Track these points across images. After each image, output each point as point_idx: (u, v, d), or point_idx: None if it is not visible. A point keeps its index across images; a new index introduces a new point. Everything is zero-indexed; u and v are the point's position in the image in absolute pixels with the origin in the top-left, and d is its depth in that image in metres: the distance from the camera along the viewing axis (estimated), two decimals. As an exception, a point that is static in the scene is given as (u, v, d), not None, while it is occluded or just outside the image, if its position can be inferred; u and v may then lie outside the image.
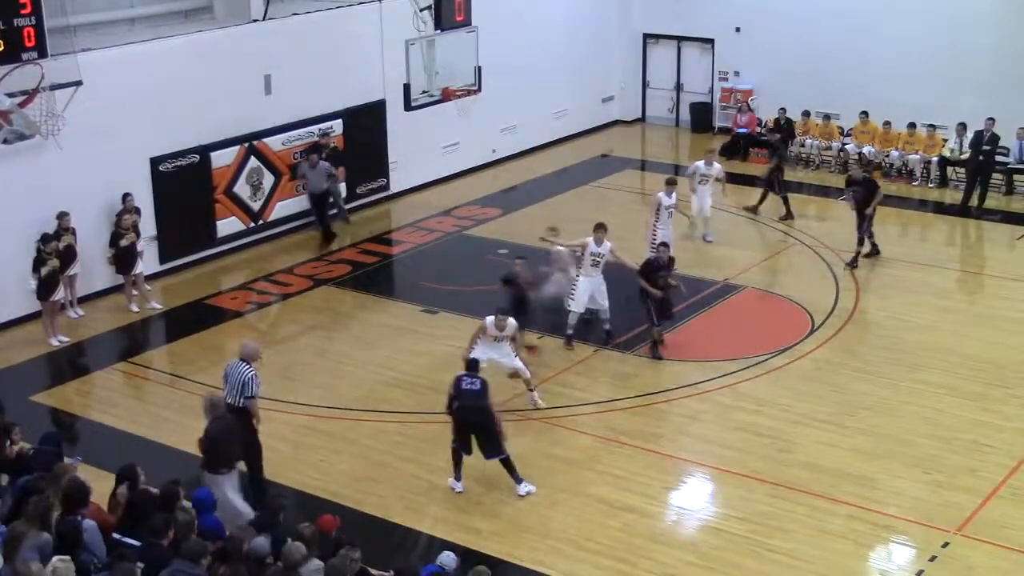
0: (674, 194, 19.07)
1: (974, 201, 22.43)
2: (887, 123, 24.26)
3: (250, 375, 12.45)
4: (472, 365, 13.25)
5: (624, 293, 16.91)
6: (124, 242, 17.90)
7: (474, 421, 12.90)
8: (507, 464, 12.99)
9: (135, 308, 18.21)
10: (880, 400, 15.05)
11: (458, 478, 13.12)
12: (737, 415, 14.79)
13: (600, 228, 16.65)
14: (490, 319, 14.53)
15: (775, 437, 14.23)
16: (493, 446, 12.92)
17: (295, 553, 9.01)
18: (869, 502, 12.78)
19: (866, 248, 19.72)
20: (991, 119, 22.47)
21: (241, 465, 12.23)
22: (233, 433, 11.92)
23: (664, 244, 16.90)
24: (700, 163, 20.80)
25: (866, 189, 19.48)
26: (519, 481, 13.03)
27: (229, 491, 11.65)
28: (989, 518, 12.48)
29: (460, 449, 13.05)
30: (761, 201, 22.28)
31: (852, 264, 19.39)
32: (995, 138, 22.45)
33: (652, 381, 15.64)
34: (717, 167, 20.77)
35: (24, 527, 9.03)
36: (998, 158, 23.54)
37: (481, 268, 19.59)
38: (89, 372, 16.49)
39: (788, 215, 21.97)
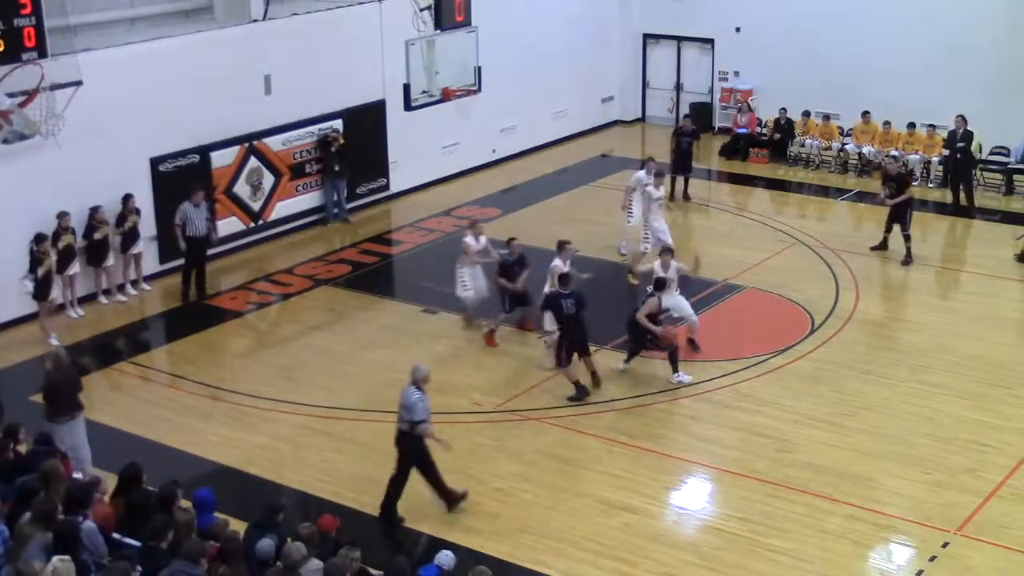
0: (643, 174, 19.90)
1: (964, 200, 22.43)
2: (887, 123, 24.26)
3: (414, 398, 12.38)
4: (563, 280, 15.26)
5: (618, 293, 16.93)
6: (97, 235, 17.92)
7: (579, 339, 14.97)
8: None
9: (104, 301, 18.32)
10: (880, 400, 15.05)
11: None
12: (737, 415, 14.79)
13: (667, 252, 16.60)
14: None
15: (775, 437, 14.23)
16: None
17: (295, 553, 9.01)
18: (869, 502, 12.79)
19: (878, 241, 20.06)
20: (961, 117, 22.47)
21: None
22: (72, 384, 12.80)
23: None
24: (641, 173, 20.24)
25: (900, 185, 19.70)
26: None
27: (67, 437, 12.35)
28: (989, 518, 12.48)
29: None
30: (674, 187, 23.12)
31: (907, 261, 19.53)
32: (968, 135, 22.43)
33: (652, 381, 15.64)
34: (651, 176, 20.48)
35: (31, 528, 9.03)
36: (998, 158, 23.60)
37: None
38: (89, 372, 16.46)
39: (686, 196, 23.21)
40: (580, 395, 15.08)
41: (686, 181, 23.30)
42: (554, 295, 15.34)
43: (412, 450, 12.47)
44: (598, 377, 15.42)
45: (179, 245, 18.64)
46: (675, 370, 15.49)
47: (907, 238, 19.58)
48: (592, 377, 15.37)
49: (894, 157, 21.96)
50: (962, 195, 22.54)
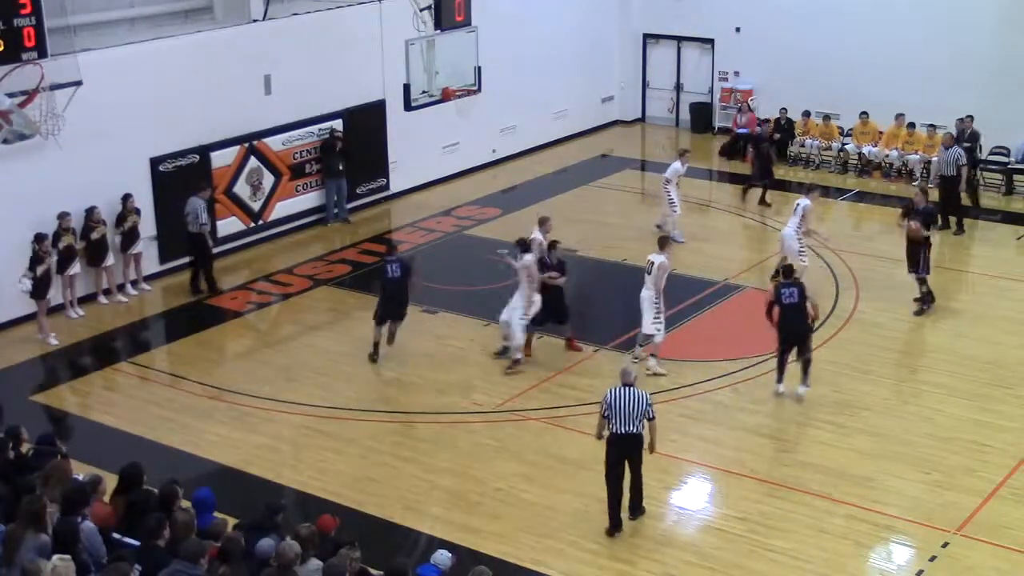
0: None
1: (965, 200, 22.37)
2: (900, 115, 23.94)
3: (649, 395, 12.16)
4: (788, 272, 15.08)
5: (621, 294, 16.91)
6: (94, 235, 17.93)
7: (795, 330, 14.75)
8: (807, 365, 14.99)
9: (104, 301, 18.32)
10: (880, 400, 15.04)
11: (780, 380, 14.98)
12: (737, 415, 14.79)
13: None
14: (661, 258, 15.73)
15: (775, 437, 14.23)
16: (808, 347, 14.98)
17: (289, 551, 8.98)
18: (869, 502, 12.79)
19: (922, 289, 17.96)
20: (970, 117, 22.47)
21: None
22: None
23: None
24: (677, 163, 20.75)
25: (927, 221, 17.80)
26: (804, 384, 14.93)
27: None
28: (989, 518, 12.48)
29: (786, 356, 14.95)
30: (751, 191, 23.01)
31: (921, 311, 17.75)
32: (975, 135, 22.40)
33: (652, 381, 15.61)
34: (686, 165, 21.02)
35: (20, 530, 9.01)
36: (998, 158, 23.59)
37: (481, 268, 19.56)
38: (88, 372, 16.49)
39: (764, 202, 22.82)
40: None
41: (765, 188, 22.77)
42: (777, 287, 14.95)
43: (639, 450, 12.14)
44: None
45: (209, 243, 18.79)
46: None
47: (922, 282, 17.75)
48: (804, 368, 14.96)
49: (923, 189, 18.77)
50: (965, 196, 22.48)
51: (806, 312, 14.87)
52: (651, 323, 15.79)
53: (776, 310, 14.89)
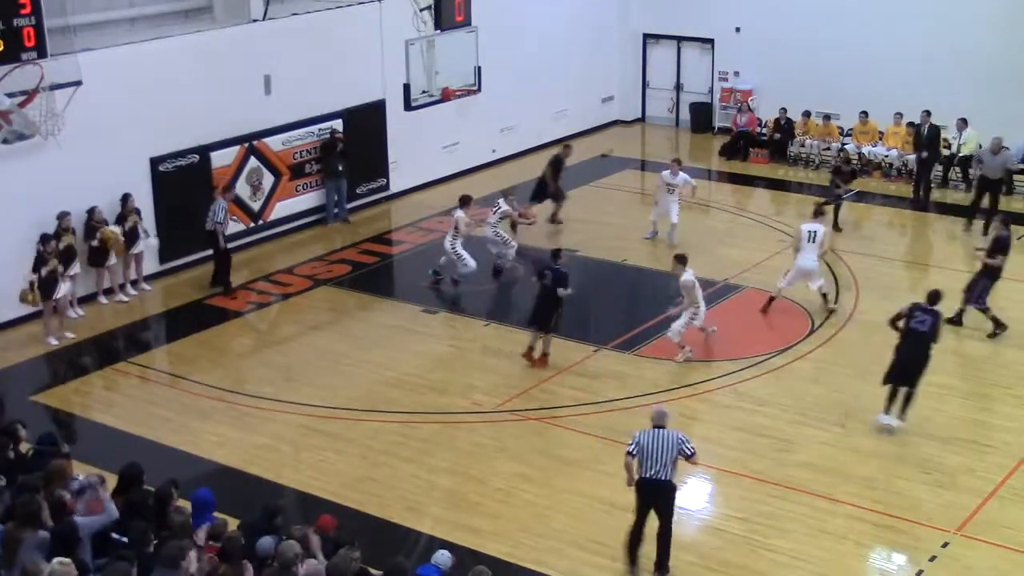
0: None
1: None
2: (911, 124, 23.89)
3: (684, 436, 11.37)
4: (934, 297, 14.26)
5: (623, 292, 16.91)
6: (99, 235, 17.92)
7: (912, 358, 13.97)
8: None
9: (104, 301, 18.33)
10: (880, 400, 15.00)
11: (888, 411, 14.17)
12: (737, 415, 14.79)
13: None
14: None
15: (775, 437, 14.22)
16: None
17: (289, 551, 8.99)
18: (869, 502, 12.79)
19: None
20: (927, 112, 22.59)
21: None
22: None
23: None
24: (666, 172, 20.88)
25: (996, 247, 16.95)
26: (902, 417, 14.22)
27: None
28: (989, 518, 12.48)
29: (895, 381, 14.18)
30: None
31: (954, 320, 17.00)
32: (934, 130, 22.40)
33: (652, 381, 15.64)
34: (683, 176, 20.80)
35: (20, 531, 9.01)
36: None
37: (481, 268, 19.55)
38: (89, 372, 16.49)
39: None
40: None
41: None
42: (913, 305, 14.16)
43: (669, 500, 11.39)
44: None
45: (220, 244, 18.83)
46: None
47: (984, 310, 17.04)
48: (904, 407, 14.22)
49: (1003, 221, 17.64)
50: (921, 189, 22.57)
51: (929, 345, 14.00)
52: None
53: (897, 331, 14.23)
